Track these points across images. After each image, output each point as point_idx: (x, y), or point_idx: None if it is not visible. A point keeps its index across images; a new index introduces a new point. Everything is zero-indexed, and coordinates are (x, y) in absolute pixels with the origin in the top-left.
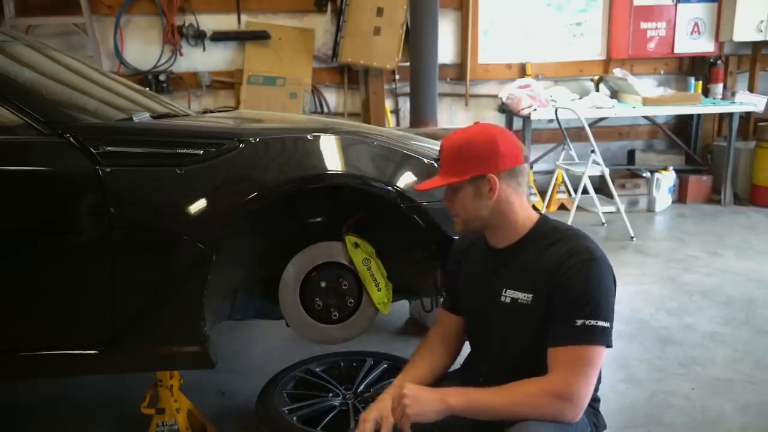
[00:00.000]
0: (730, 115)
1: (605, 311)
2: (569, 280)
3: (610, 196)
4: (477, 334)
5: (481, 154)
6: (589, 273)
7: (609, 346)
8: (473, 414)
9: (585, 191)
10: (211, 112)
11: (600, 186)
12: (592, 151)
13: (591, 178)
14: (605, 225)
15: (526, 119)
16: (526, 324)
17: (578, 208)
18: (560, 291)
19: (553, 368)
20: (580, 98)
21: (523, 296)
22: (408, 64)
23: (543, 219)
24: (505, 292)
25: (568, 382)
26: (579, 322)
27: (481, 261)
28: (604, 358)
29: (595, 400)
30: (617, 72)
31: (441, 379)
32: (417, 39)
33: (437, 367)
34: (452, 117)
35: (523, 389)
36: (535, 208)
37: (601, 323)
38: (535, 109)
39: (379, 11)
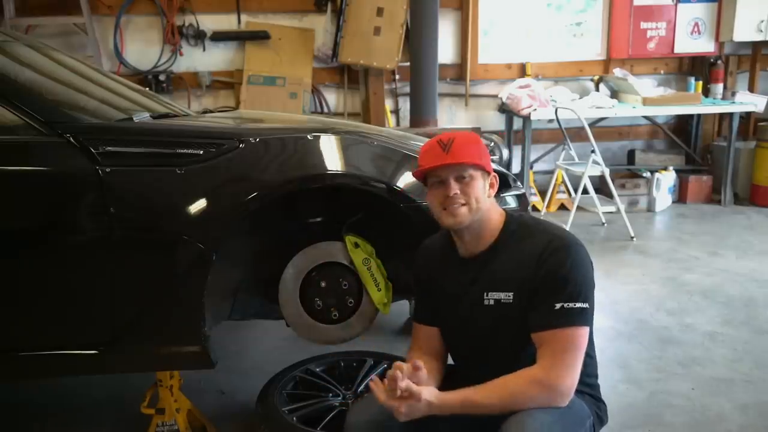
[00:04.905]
0: (730, 115)
1: (583, 293)
2: (548, 270)
3: (610, 196)
4: (462, 345)
5: (488, 155)
6: (565, 259)
7: (589, 326)
8: (467, 412)
9: (585, 191)
10: (211, 112)
11: (600, 186)
12: (592, 151)
13: (591, 178)
14: (605, 225)
15: (526, 119)
16: (510, 322)
17: (578, 208)
18: (540, 280)
19: (538, 356)
20: (580, 98)
21: (504, 296)
22: (408, 64)
23: (509, 217)
24: (487, 295)
25: (552, 372)
26: (558, 305)
27: (456, 274)
28: (586, 338)
29: (591, 386)
30: (617, 72)
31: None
32: (417, 39)
33: (434, 371)
34: (452, 117)
35: (512, 383)
36: (535, 208)
37: (579, 305)
38: (535, 109)
39: (379, 11)
